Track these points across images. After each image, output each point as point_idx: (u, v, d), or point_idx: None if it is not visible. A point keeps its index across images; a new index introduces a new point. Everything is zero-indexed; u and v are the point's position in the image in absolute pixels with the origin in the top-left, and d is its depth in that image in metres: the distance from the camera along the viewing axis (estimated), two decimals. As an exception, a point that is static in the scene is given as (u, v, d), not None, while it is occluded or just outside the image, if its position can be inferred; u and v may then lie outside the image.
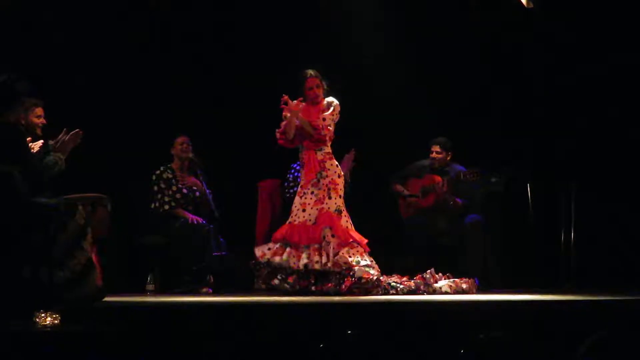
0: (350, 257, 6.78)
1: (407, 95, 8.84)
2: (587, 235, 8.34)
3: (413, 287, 6.93)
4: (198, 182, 7.92)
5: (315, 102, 7.10)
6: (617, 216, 8.51)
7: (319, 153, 7.08)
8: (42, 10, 7.86)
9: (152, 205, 7.79)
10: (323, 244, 6.84)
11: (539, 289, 7.61)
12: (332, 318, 5.14)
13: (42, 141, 5.81)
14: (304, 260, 6.80)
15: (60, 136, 5.64)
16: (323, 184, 7.03)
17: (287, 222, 7.07)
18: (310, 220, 6.97)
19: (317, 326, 4.90)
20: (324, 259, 6.79)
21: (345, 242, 6.86)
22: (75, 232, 5.36)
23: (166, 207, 7.74)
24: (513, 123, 8.90)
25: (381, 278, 6.90)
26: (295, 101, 6.97)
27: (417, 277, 7.09)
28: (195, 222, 7.64)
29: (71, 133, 5.67)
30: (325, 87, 7.13)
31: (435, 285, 7.04)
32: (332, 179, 7.04)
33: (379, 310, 5.50)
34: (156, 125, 8.14)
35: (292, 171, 8.07)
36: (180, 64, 8.47)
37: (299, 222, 6.98)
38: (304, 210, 7.02)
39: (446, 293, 6.95)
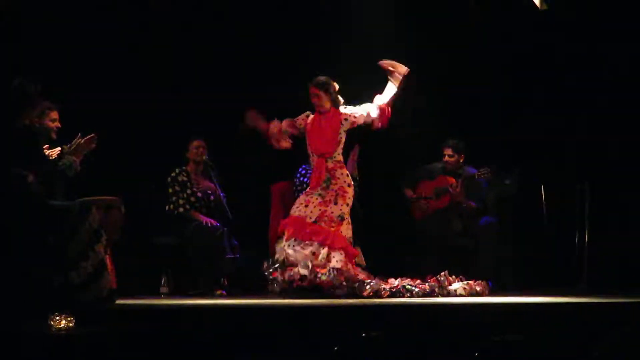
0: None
1: (419, 96, 8.84)
2: (601, 237, 8.31)
3: (428, 290, 6.93)
4: (212, 185, 7.93)
5: (319, 111, 7.12)
6: (630, 217, 8.50)
7: (329, 161, 7.10)
8: (53, 12, 7.85)
9: (167, 207, 7.81)
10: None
11: (553, 291, 7.60)
12: (346, 320, 5.14)
13: (59, 148, 5.83)
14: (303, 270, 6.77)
15: (75, 140, 5.66)
16: (332, 189, 7.03)
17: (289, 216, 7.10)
18: (310, 217, 6.98)
19: (332, 328, 4.91)
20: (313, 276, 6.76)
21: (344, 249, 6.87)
22: (88, 234, 5.38)
23: (180, 209, 7.75)
24: (525, 124, 8.89)
25: (396, 282, 6.91)
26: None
27: (432, 279, 7.09)
28: (209, 225, 7.65)
29: (85, 138, 5.69)
30: (333, 95, 7.10)
31: (450, 287, 7.04)
32: (341, 186, 7.04)
33: (394, 312, 5.50)
34: (171, 127, 8.15)
35: (298, 175, 8.05)
36: (194, 66, 8.46)
37: (299, 214, 7.00)
38: (306, 206, 7.03)
39: (460, 295, 6.95)
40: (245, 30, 8.63)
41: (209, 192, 7.90)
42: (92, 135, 5.71)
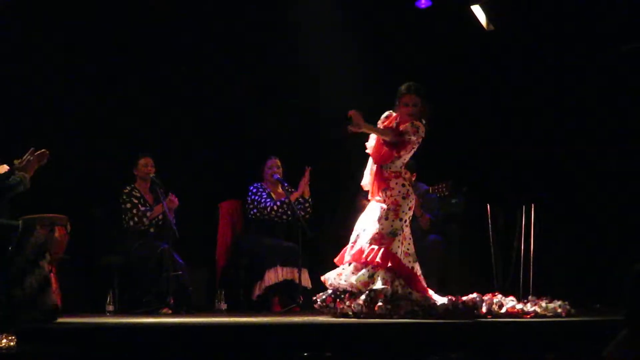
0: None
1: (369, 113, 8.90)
2: (545, 255, 8.42)
3: None
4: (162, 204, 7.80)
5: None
6: (574, 235, 8.64)
7: (385, 170, 6.46)
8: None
9: (127, 223, 7.66)
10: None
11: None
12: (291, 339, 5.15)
13: (5, 166, 5.75)
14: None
15: (26, 155, 5.58)
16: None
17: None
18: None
19: (278, 347, 4.93)
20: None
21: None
22: (33, 251, 5.33)
23: (145, 221, 7.67)
24: (472, 143, 8.99)
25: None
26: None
27: None
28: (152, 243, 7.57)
29: (37, 153, 5.61)
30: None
31: None
32: (395, 198, 6.38)
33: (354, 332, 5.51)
34: (117, 145, 8.09)
35: (250, 194, 8.05)
36: (142, 84, 8.41)
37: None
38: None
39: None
40: (196, 48, 8.62)
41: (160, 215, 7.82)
42: (44, 150, 5.64)
